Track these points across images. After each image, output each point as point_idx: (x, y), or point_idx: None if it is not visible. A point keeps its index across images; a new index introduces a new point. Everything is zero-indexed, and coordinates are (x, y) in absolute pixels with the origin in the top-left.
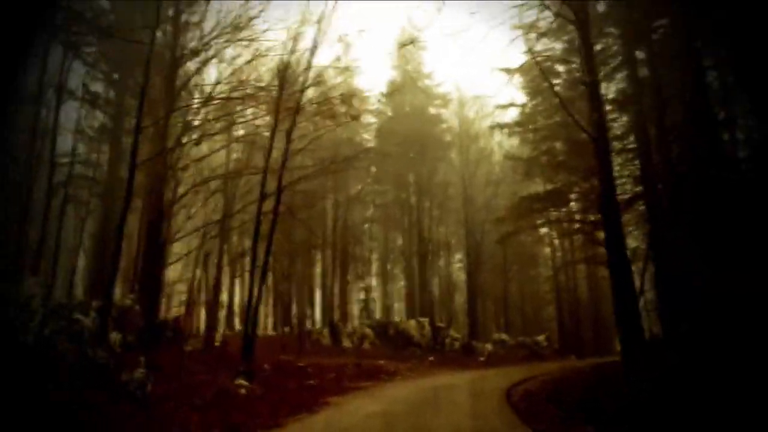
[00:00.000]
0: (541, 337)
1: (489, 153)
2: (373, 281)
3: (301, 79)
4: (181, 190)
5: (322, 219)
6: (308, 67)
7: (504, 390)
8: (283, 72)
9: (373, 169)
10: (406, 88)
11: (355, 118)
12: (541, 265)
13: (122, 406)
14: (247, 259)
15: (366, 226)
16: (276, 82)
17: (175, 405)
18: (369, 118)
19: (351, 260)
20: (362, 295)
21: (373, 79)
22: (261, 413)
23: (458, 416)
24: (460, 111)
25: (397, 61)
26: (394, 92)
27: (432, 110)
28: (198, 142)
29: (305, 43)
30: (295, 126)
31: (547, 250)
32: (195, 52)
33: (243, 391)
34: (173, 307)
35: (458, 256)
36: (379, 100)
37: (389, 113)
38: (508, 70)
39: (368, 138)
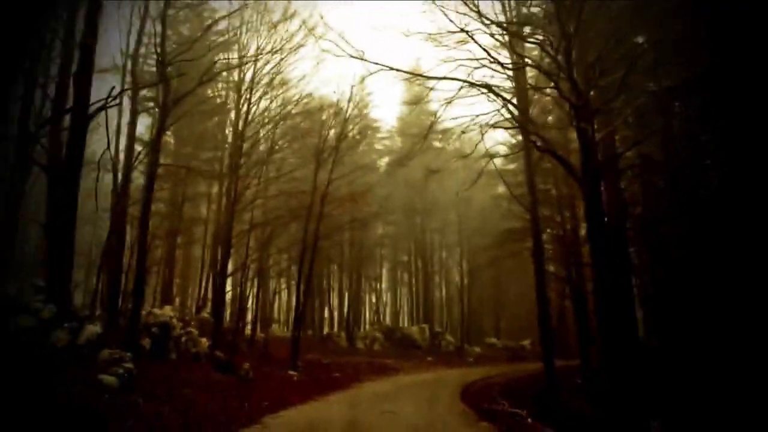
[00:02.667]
0: (526, 342)
1: (482, 185)
2: (384, 285)
3: (331, 159)
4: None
5: (339, 239)
6: (336, 150)
7: (471, 381)
8: (319, 155)
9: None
10: (413, 123)
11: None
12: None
13: (237, 384)
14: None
15: (377, 247)
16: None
17: (259, 385)
18: (379, 146)
19: (364, 274)
20: (374, 299)
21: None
22: (313, 390)
23: (426, 392)
24: (459, 146)
25: (406, 97)
26: (402, 125)
27: (437, 144)
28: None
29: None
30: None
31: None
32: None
33: (295, 378)
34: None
35: (457, 269)
36: (390, 132)
37: (399, 143)
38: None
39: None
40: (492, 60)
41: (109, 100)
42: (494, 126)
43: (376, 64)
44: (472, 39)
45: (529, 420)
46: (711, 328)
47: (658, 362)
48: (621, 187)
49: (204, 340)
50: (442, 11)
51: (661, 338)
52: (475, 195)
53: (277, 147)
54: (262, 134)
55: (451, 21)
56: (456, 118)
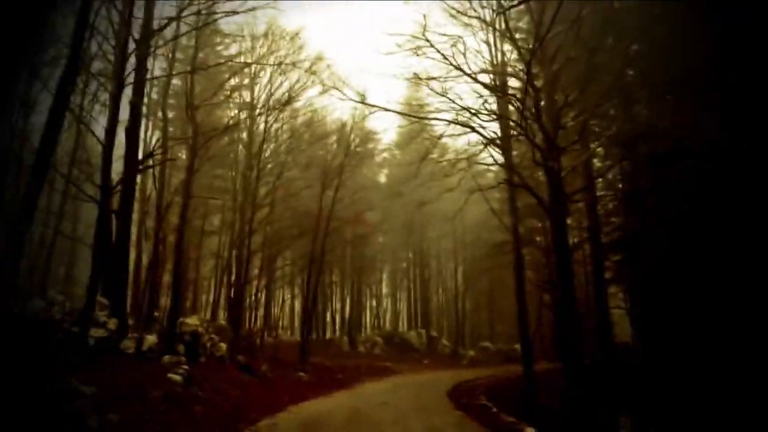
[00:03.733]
0: (518, 345)
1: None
2: (384, 291)
3: (335, 182)
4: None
5: (342, 252)
6: (339, 176)
7: (460, 382)
8: (324, 179)
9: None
10: (412, 137)
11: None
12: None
13: (259, 383)
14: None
15: (378, 255)
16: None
17: (277, 383)
18: (379, 158)
19: (365, 280)
20: (374, 304)
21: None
22: (321, 388)
23: (419, 390)
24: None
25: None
26: (401, 140)
27: (433, 156)
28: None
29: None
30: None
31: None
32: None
33: (305, 378)
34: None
35: (453, 276)
36: (390, 148)
37: (398, 156)
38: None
39: (381, 177)
40: (466, 108)
41: (155, 149)
42: (478, 162)
43: (374, 106)
44: (449, 99)
45: (495, 410)
46: (685, 335)
47: (631, 365)
48: (597, 208)
49: (223, 345)
50: (424, 80)
51: (642, 343)
52: (469, 208)
53: (286, 168)
54: (269, 153)
55: (431, 90)
56: (450, 154)
